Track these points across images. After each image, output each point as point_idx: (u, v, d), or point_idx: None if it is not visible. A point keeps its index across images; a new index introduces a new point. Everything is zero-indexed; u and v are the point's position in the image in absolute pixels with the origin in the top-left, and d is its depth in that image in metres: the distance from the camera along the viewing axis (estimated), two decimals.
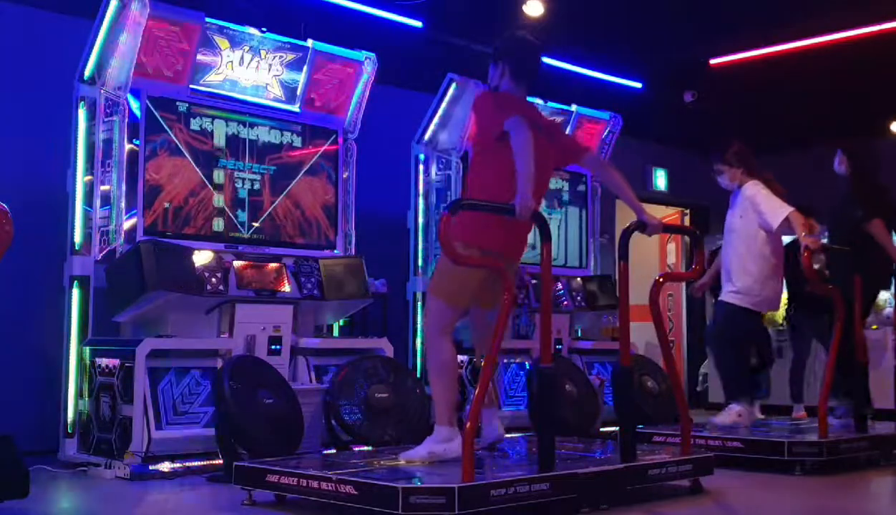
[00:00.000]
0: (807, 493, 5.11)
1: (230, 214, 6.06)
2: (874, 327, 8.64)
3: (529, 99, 4.98)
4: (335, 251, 6.50)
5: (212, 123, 6.02)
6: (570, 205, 8.14)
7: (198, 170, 5.93)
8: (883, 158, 6.83)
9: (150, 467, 5.21)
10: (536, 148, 4.34)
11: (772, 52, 8.59)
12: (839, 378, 6.06)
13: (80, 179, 5.77)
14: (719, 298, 6.40)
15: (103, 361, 5.48)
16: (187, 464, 5.32)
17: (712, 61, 8.92)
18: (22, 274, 5.74)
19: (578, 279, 7.89)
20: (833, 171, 6.59)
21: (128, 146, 5.64)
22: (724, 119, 10.08)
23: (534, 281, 7.26)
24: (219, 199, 6.02)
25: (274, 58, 6.30)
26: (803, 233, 5.86)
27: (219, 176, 6.03)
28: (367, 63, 6.62)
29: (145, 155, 5.69)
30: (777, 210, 6.04)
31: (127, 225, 5.61)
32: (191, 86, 5.93)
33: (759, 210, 6.11)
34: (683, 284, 11.13)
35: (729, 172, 6.30)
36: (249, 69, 6.22)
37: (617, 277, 4.90)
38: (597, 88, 9.02)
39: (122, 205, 5.61)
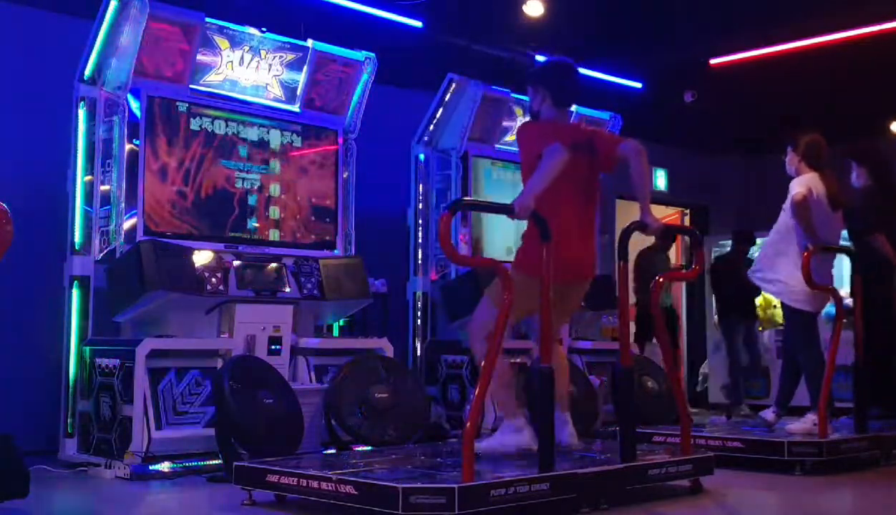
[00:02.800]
0: (807, 493, 5.10)
1: (230, 214, 6.06)
2: None
3: None
4: (335, 251, 6.50)
5: (212, 123, 6.02)
6: None
7: (197, 170, 5.93)
8: None
9: (150, 467, 5.21)
10: (576, 166, 4.56)
11: (772, 52, 8.59)
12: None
13: (80, 179, 5.77)
14: (783, 302, 6.16)
15: (103, 361, 5.48)
16: (187, 464, 5.32)
17: (712, 61, 8.92)
18: (22, 274, 5.74)
19: None
20: (849, 181, 6.53)
21: (128, 146, 5.64)
22: (724, 119, 10.09)
23: None
24: (219, 199, 6.01)
25: (274, 58, 6.30)
26: (805, 233, 5.80)
27: (218, 176, 6.03)
28: (367, 63, 6.62)
29: (145, 155, 5.69)
30: (794, 190, 5.88)
31: (127, 225, 5.61)
32: (191, 86, 5.93)
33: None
34: (683, 284, 11.13)
35: (790, 156, 6.14)
36: (249, 69, 6.22)
37: (617, 277, 4.90)
38: (597, 88, 9.01)
39: (122, 205, 5.62)
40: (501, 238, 7.28)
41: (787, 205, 6.05)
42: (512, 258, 5.11)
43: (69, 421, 5.64)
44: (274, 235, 6.25)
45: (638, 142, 4.98)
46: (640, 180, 4.83)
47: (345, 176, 6.62)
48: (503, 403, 4.79)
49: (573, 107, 7.69)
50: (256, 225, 6.18)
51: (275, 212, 6.27)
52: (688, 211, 11.55)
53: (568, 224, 4.61)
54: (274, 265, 6.01)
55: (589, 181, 4.84)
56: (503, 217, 4.57)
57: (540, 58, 8.35)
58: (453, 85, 7.22)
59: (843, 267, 7.08)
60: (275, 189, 6.28)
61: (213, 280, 5.63)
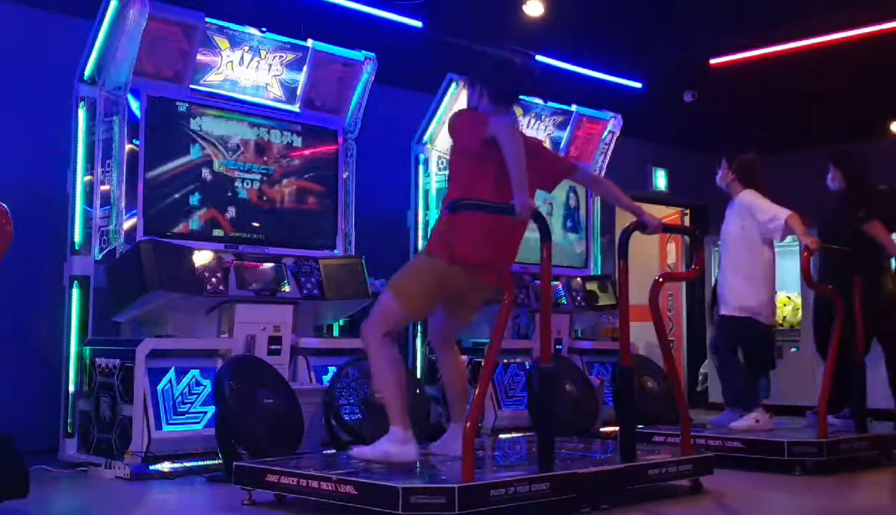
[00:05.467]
0: (807, 493, 5.11)
1: (230, 214, 6.06)
2: None
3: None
4: (335, 251, 6.50)
5: (212, 123, 6.02)
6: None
7: (197, 169, 5.93)
8: (882, 158, 6.81)
9: (150, 467, 5.21)
10: (501, 167, 4.24)
11: (772, 52, 8.58)
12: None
13: (80, 179, 5.77)
14: (723, 313, 6.24)
15: (103, 361, 5.48)
16: (187, 464, 5.32)
17: (712, 61, 8.92)
18: (22, 274, 5.74)
19: (578, 279, 7.89)
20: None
21: (128, 146, 5.64)
22: (723, 119, 10.08)
23: (536, 282, 7.25)
24: (219, 199, 6.01)
25: (274, 58, 6.30)
26: (803, 233, 5.89)
27: (219, 176, 6.03)
28: (367, 63, 6.62)
29: (145, 155, 5.69)
30: (778, 215, 6.05)
31: (127, 225, 5.61)
32: (191, 86, 5.93)
33: (760, 218, 6.10)
34: (683, 284, 11.13)
35: (724, 171, 6.34)
36: (249, 69, 6.22)
37: (617, 277, 4.91)
38: (597, 88, 9.01)
39: (122, 205, 5.61)
40: None
41: (738, 220, 6.18)
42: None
43: (69, 421, 5.63)
44: (274, 235, 6.25)
45: (586, 168, 4.98)
46: (615, 198, 4.82)
47: (345, 176, 6.62)
48: (391, 407, 4.36)
49: (539, 101, 7.72)
50: (256, 224, 6.18)
51: (275, 211, 6.27)
52: (688, 211, 11.55)
53: (484, 223, 4.33)
54: (274, 265, 6.01)
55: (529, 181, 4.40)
56: None
57: (542, 58, 8.36)
58: (453, 85, 7.21)
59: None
60: (275, 189, 6.28)
61: (213, 280, 5.63)
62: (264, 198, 6.23)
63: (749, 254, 6.14)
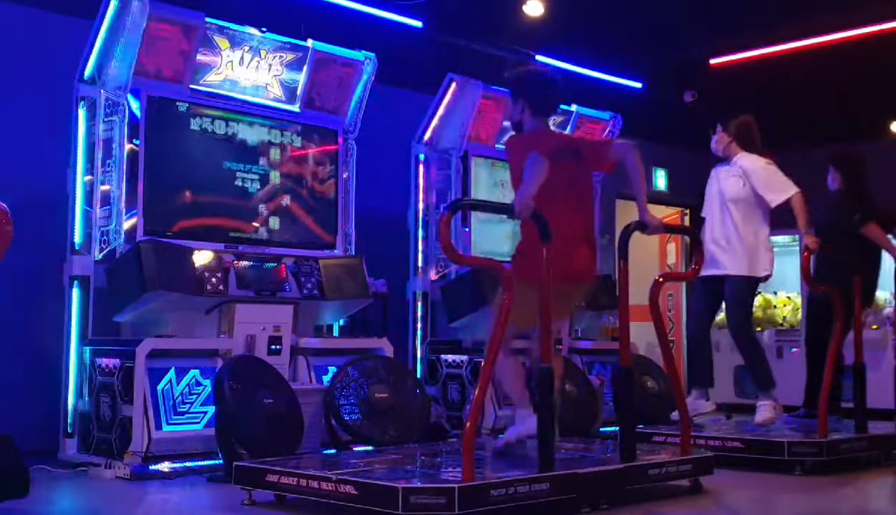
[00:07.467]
0: (807, 493, 5.11)
1: (230, 214, 6.06)
2: (874, 327, 8.64)
3: None
4: (335, 251, 6.50)
5: (212, 123, 6.02)
6: None
7: (197, 170, 5.93)
8: (883, 158, 6.83)
9: (150, 467, 5.21)
10: (558, 172, 4.60)
11: (772, 52, 8.59)
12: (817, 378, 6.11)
13: (80, 179, 5.77)
14: (730, 273, 6.12)
15: (103, 361, 5.48)
16: (187, 464, 5.33)
17: (712, 61, 8.92)
18: (22, 274, 5.74)
19: None
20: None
21: (128, 146, 5.64)
22: (724, 119, 10.09)
23: None
24: (219, 199, 6.02)
25: (274, 58, 6.30)
26: (804, 230, 5.84)
27: (219, 176, 6.03)
28: (367, 63, 6.62)
29: (145, 155, 5.69)
30: (784, 187, 5.96)
31: (127, 225, 5.61)
32: (191, 86, 5.93)
33: (760, 183, 6.00)
34: (683, 284, 11.12)
35: (720, 136, 6.27)
36: (249, 69, 6.22)
37: (617, 277, 4.91)
38: (597, 88, 9.02)
39: (122, 205, 5.62)
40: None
41: (738, 180, 6.09)
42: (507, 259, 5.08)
43: (69, 421, 5.63)
44: (274, 235, 6.25)
45: (623, 141, 5.09)
46: (637, 176, 4.88)
47: (345, 176, 6.62)
48: (519, 395, 4.88)
49: (572, 108, 7.78)
50: (256, 224, 6.18)
51: (275, 211, 6.27)
52: (688, 211, 11.55)
53: (556, 229, 4.55)
54: (274, 265, 6.01)
55: (576, 186, 4.84)
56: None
57: (542, 58, 8.37)
58: (453, 85, 7.22)
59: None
60: (275, 189, 6.28)
61: (213, 280, 5.63)
62: (264, 197, 6.23)
63: (760, 214, 6.04)
